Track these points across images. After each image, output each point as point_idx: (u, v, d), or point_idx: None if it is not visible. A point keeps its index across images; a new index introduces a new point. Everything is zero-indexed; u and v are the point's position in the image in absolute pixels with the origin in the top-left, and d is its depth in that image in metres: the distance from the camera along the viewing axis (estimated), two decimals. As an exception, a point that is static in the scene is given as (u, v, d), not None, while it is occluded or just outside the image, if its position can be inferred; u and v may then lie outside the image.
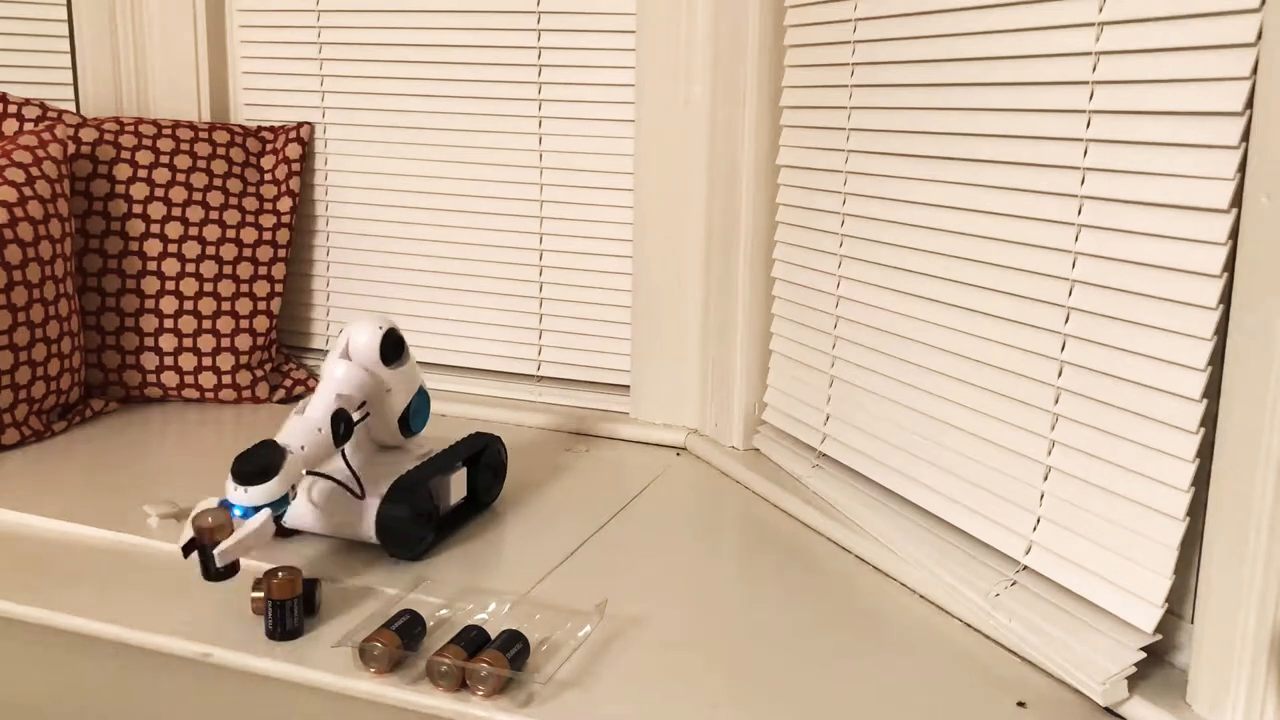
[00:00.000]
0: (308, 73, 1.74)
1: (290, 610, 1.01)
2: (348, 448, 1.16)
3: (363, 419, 1.17)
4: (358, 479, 1.14)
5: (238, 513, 1.02)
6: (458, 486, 1.23)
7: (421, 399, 1.25)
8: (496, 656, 0.92)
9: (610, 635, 1.03)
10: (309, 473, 1.10)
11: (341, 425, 1.10)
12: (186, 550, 1.01)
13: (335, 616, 1.06)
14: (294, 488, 1.06)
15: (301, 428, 1.09)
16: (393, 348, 1.19)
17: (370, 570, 1.14)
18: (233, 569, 1.01)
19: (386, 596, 1.09)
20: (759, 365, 1.47)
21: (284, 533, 1.20)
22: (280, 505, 1.04)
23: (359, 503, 1.15)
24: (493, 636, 0.97)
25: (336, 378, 1.15)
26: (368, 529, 1.15)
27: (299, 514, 1.17)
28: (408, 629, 0.97)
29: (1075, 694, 0.95)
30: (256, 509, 1.02)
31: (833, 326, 1.32)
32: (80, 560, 1.17)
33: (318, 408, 1.11)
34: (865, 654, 1.01)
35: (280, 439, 1.08)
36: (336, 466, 1.16)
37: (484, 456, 1.27)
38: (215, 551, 0.99)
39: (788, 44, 1.38)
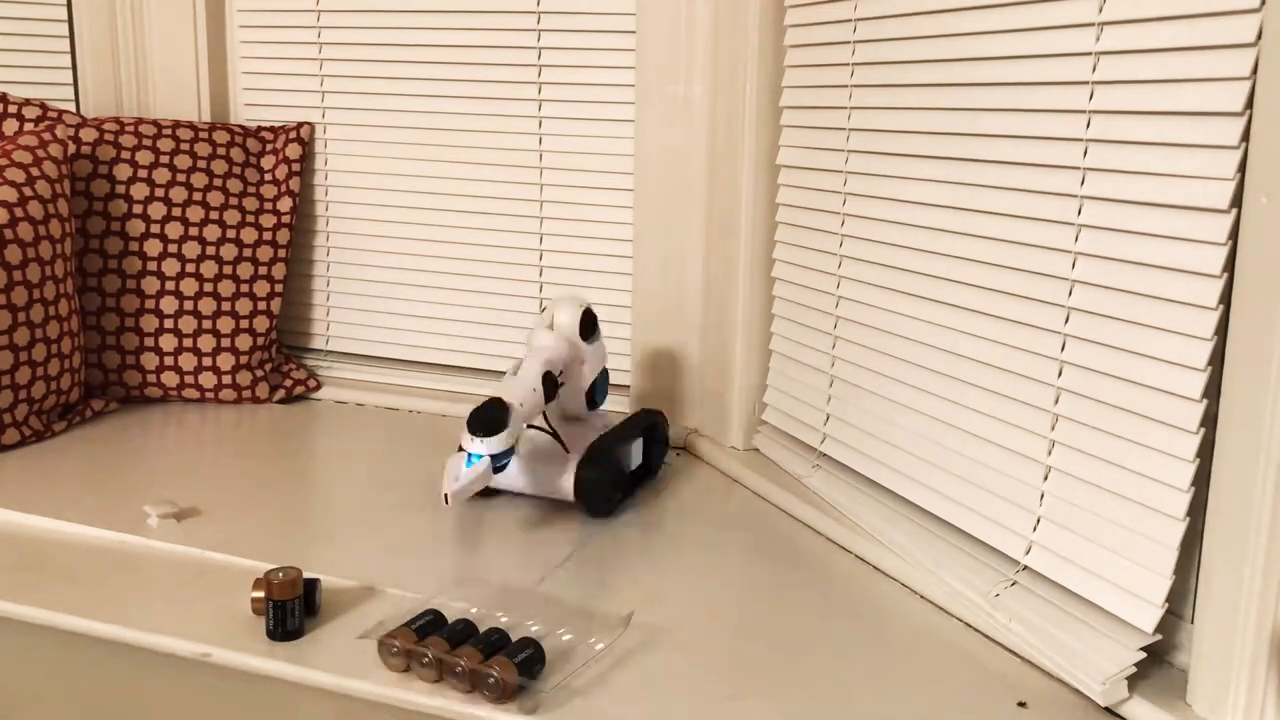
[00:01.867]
0: (308, 73, 1.74)
1: (291, 610, 1.01)
2: (548, 411, 1.33)
3: (562, 384, 1.30)
4: (560, 439, 1.31)
5: (474, 460, 1.16)
6: (636, 454, 1.38)
7: (604, 377, 1.39)
8: (504, 663, 0.92)
9: (611, 636, 1.03)
10: (528, 426, 1.26)
11: (547, 385, 1.25)
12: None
13: (336, 617, 1.06)
14: (516, 441, 1.18)
15: (519, 387, 1.22)
16: (590, 325, 1.34)
17: (562, 526, 1.27)
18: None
19: (388, 597, 1.09)
20: (759, 365, 1.47)
21: (487, 492, 1.34)
22: (507, 456, 1.18)
23: (559, 465, 1.30)
24: (513, 640, 0.97)
25: (545, 345, 1.30)
26: (566, 488, 1.29)
27: (505, 477, 1.31)
28: (428, 629, 0.98)
29: (1075, 694, 0.95)
30: (494, 456, 1.16)
31: (833, 326, 1.32)
32: (80, 560, 1.17)
33: (530, 370, 1.25)
34: (865, 654, 1.01)
35: (503, 394, 1.20)
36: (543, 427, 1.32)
37: (655, 430, 1.41)
38: (454, 489, 1.13)
39: (788, 44, 1.38)
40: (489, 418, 1.17)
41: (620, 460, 1.32)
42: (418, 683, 0.95)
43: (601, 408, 1.43)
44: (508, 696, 0.91)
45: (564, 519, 1.30)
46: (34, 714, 1.08)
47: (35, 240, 1.48)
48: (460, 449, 1.18)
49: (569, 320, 1.33)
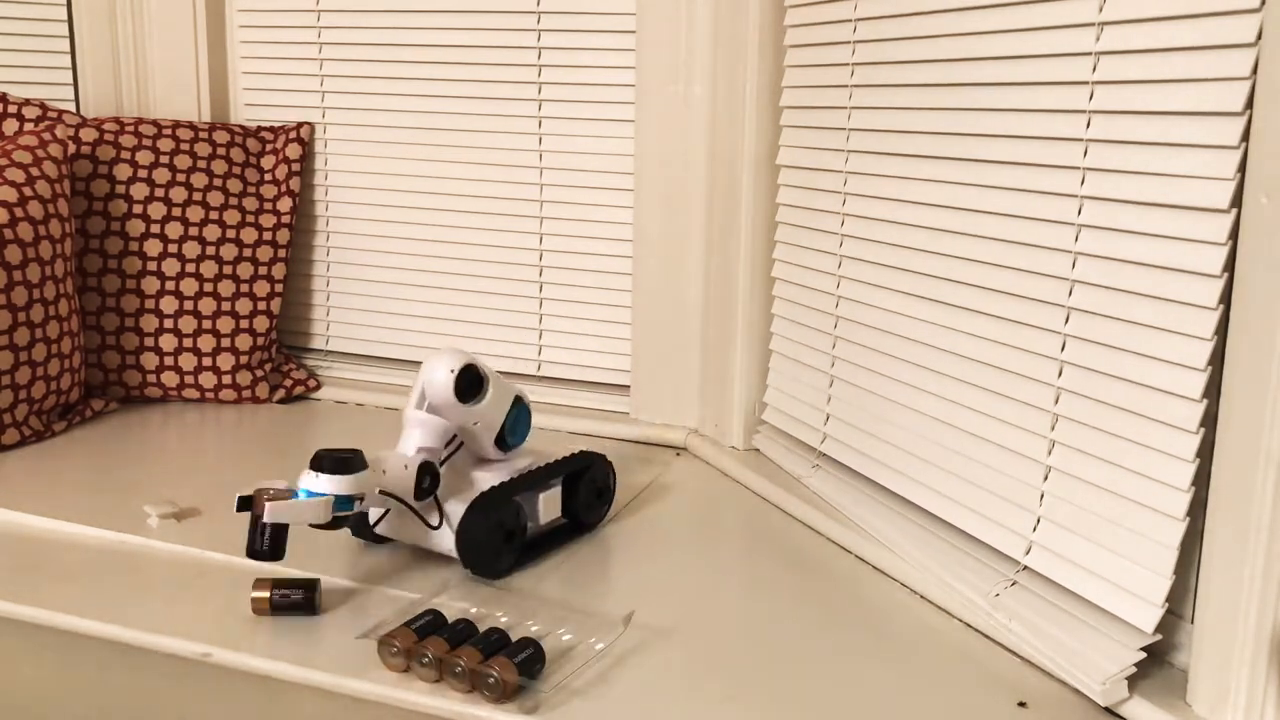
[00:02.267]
0: (308, 73, 1.74)
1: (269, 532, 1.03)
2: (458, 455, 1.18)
3: (453, 453, 1.16)
4: (421, 516, 1.12)
5: (302, 495, 1.04)
6: (550, 506, 1.19)
7: (520, 412, 1.22)
8: (504, 663, 0.92)
9: (611, 636, 1.03)
10: (382, 492, 1.09)
11: (427, 479, 1.11)
12: (240, 505, 1.03)
13: (336, 617, 1.05)
14: (363, 498, 1.06)
15: (393, 460, 1.10)
16: (468, 387, 1.15)
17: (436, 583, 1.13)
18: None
19: (388, 597, 1.09)
20: (759, 365, 1.46)
21: (375, 539, 1.19)
22: (345, 504, 1.04)
23: (448, 517, 1.13)
24: (513, 640, 0.97)
25: (414, 436, 1.14)
26: (448, 543, 1.13)
27: (388, 524, 1.16)
28: (428, 629, 0.98)
29: (1075, 694, 0.95)
30: (338, 499, 1.04)
31: (833, 326, 1.32)
32: (80, 560, 1.17)
33: (407, 447, 1.13)
34: (865, 654, 1.01)
35: (370, 454, 1.09)
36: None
37: (584, 477, 1.23)
38: (266, 503, 1.02)
39: (788, 44, 1.38)
40: (335, 457, 1.05)
41: (518, 513, 1.15)
42: (418, 683, 0.95)
43: (520, 447, 1.25)
44: (508, 696, 0.91)
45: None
46: (34, 714, 1.08)
47: (35, 240, 1.48)
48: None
49: (441, 388, 1.13)
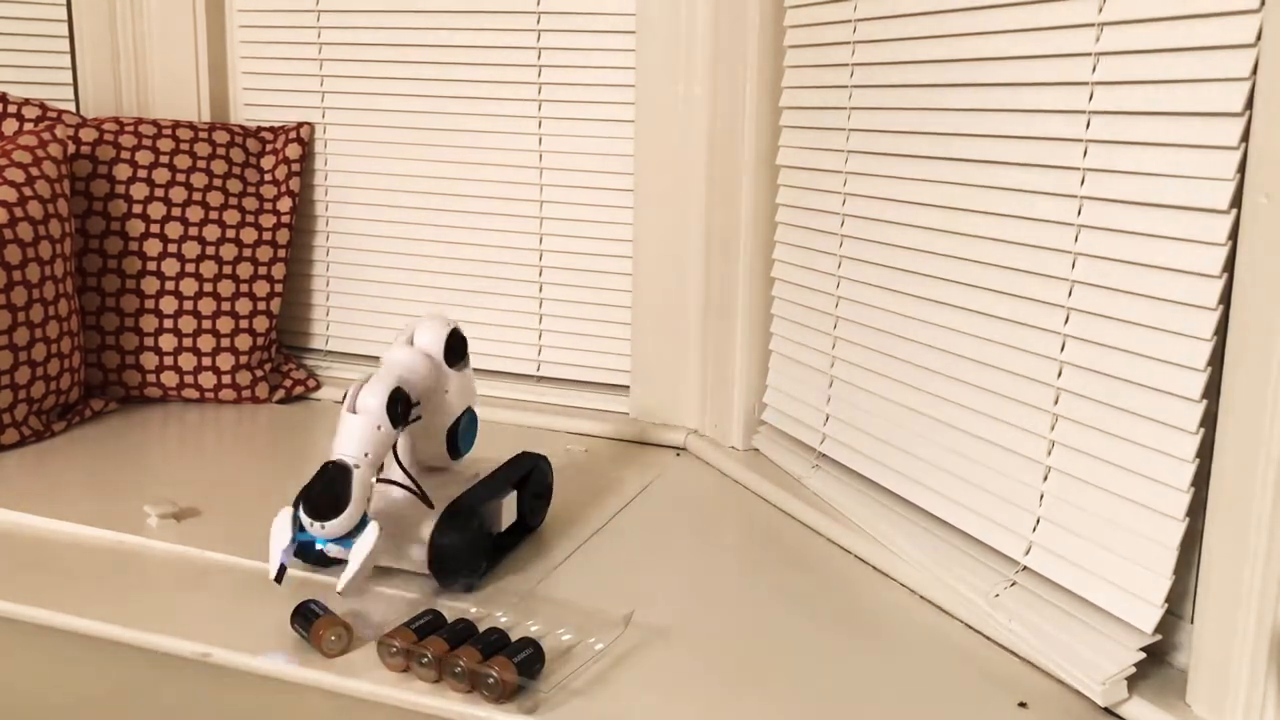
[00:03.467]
0: (308, 73, 1.74)
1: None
2: (404, 457, 1.12)
3: (417, 419, 1.11)
4: (421, 492, 1.08)
5: (320, 545, 1.02)
6: (509, 511, 1.17)
7: (471, 419, 1.19)
8: (504, 662, 0.92)
9: (611, 636, 1.03)
10: (379, 480, 1.05)
11: (399, 406, 1.03)
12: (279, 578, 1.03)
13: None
14: (368, 503, 1.02)
15: (359, 429, 1.03)
16: (457, 348, 1.15)
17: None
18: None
19: (387, 597, 1.09)
20: (759, 365, 1.47)
21: (323, 561, 1.11)
22: (361, 529, 1.02)
23: (410, 528, 1.09)
24: (513, 640, 0.97)
25: (399, 360, 1.08)
26: (419, 557, 1.09)
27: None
28: (427, 629, 0.98)
29: (1075, 694, 0.95)
30: (339, 540, 1.01)
31: (833, 326, 1.32)
32: (80, 560, 1.17)
33: (374, 396, 1.04)
34: (865, 654, 1.01)
35: (338, 452, 1.02)
36: (397, 477, 1.10)
37: (530, 479, 1.22)
38: (339, 590, 1.01)
39: (788, 44, 1.38)
40: (326, 495, 1.00)
41: (488, 520, 1.13)
42: (417, 683, 0.95)
43: (468, 456, 1.23)
44: (507, 696, 0.91)
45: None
46: (34, 714, 1.08)
47: (35, 240, 1.48)
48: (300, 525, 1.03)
49: (432, 337, 1.12)
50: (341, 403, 1.05)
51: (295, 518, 1.04)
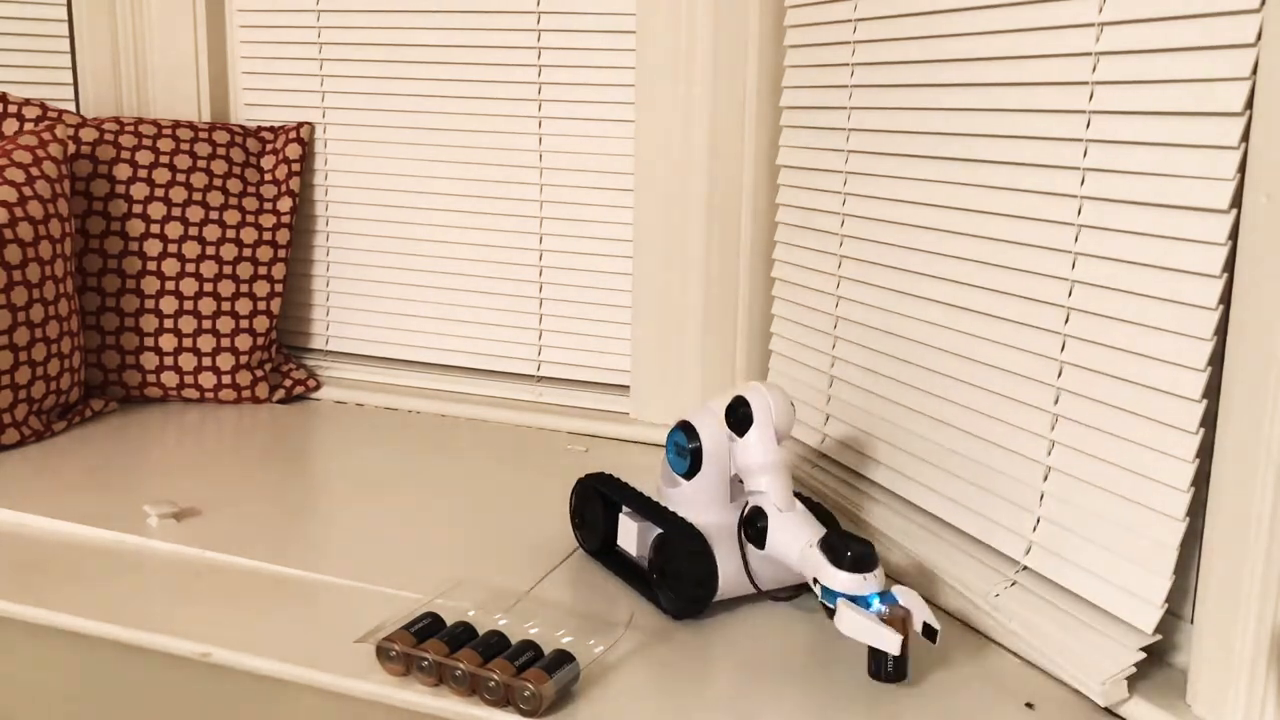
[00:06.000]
0: (308, 73, 1.74)
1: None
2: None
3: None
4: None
5: (874, 603, 0.95)
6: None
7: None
8: (504, 665, 0.91)
9: (610, 639, 1.03)
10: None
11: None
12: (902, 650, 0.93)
13: (336, 617, 1.05)
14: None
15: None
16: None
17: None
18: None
19: (387, 598, 1.09)
20: (759, 365, 1.46)
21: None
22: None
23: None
24: (513, 643, 0.96)
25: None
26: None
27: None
28: (426, 632, 0.97)
29: (1075, 694, 0.95)
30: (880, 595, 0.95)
31: (833, 327, 1.32)
32: (80, 560, 1.17)
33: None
34: (864, 654, 1.01)
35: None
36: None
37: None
38: (920, 622, 0.94)
39: (788, 44, 1.38)
40: (865, 548, 0.96)
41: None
42: (418, 685, 0.94)
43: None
44: (508, 701, 0.91)
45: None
46: (34, 714, 1.08)
47: (35, 240, 1.48)
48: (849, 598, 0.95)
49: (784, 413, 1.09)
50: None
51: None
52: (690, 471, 1.10)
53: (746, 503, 1.07)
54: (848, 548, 0.96)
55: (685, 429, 1.10)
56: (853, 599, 0.94)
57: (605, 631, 1.03)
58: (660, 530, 1.07)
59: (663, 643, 1.02)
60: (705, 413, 1.11)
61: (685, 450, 1.10)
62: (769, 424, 1.07)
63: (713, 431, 1.10)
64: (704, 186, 1.48)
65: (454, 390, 1.70)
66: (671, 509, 1.11)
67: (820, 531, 1.01)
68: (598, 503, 1.16)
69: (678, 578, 1.05)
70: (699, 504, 1.10)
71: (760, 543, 1.04)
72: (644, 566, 1.11)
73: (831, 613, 0.96)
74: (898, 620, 0.93)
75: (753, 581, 1.07)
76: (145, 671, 1.03)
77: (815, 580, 0.98)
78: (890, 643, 0.91)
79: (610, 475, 1.18)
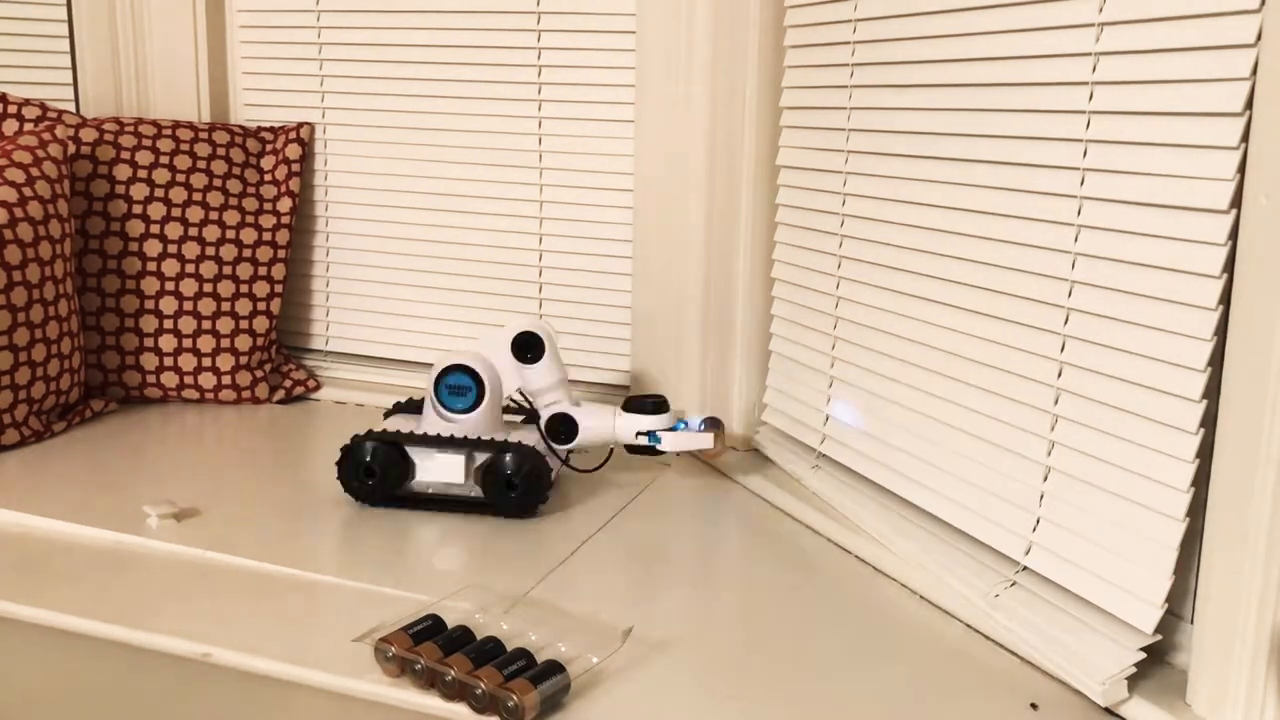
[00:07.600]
0: (308, 73, 1.74)
1: None
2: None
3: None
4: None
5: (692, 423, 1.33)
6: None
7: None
8: (492, 674, 0.91)
9: (608, 650, 1.03)
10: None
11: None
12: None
13: (336, 618, 1.05)
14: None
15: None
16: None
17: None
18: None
19: (388, 598, 1.09)
20: (759, 365, 1.47)
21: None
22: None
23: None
24: (508, 649, 0.96)
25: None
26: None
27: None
28: (425, 634, 0.97)
29: (1075, 694, 0.95)
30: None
31: (833, 327, 1.32)
32: (80, 560, 1.17)
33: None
34: (864, 655, 1.01)
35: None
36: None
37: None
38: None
39: (788, 44, 1.38)
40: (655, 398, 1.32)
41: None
42: (425, 689, 0.94)
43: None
44: (494, 709, 0.90)
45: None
46: (34, 714, 1.08)
47: (35, 240, 1.48)
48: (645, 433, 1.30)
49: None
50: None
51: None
52: (474, 405, 1.31)
53: (538, 415, 1.34)
54: (648, 399, 1.32)
55: (464, 370, 1.31)
56: (670, 430, 1.32)
57: (604, 642, 1.01)
58: (489, 454, 1.28)
59: (663, 638, 1.02)
60: (467, 358, 1.31)
61: (468, 388, 1.31)
62: (555, 351, 1.34)
63: (486, 370, 1.32)
64: (704, 186, 1.48)
65: (454, 390, 1.70)
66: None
67: (614, 406, 1.33)
68: (395, 451, 1.28)
69: (537, 478, 1.27)
70: (483, 430, 1.32)
71: (572, 435, 1.32)
72: (468, 492, 1.30)
73: (654, 450, 1.32)
74: (719, 430, 1.32)
75: (566, 463, 1.38)
76: (145, 671, 1.03)
77: (637, 434, 1.31)
78: (706, 440, 1.31)
79: (385, 430, 1.31)
